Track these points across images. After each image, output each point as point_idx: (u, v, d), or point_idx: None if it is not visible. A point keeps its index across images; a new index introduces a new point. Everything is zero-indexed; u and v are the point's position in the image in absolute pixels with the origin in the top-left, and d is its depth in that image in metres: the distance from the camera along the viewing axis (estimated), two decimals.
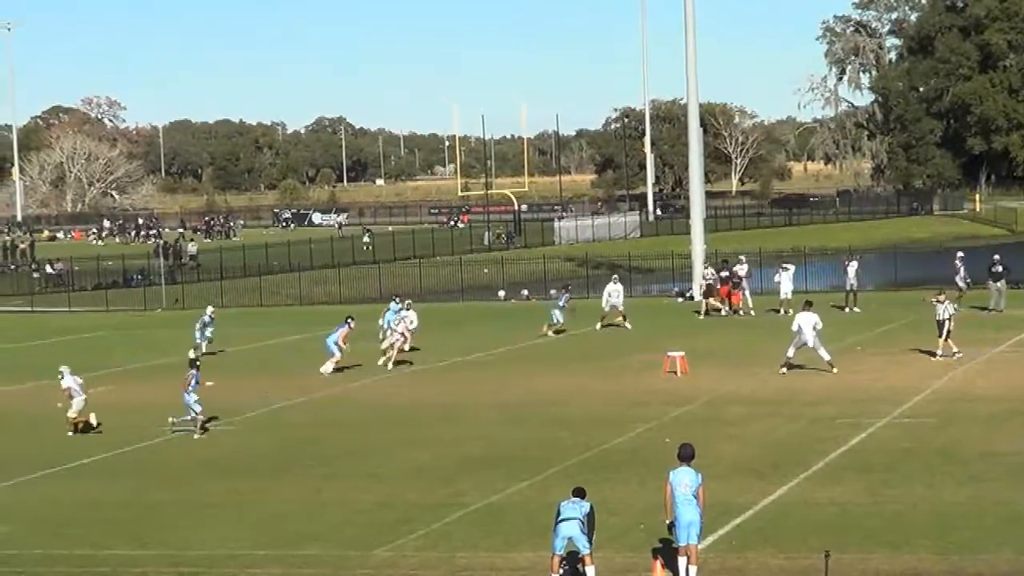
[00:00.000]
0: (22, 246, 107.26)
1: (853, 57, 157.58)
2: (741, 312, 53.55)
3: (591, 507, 19.56)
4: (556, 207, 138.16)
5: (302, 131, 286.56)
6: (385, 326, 44.36)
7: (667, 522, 19.89)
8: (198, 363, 33.28)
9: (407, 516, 24.03)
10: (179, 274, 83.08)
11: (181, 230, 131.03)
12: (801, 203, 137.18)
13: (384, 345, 43.06)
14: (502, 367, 42.21)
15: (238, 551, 22.37)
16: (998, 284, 51.04)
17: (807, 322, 37.79)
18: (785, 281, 53.01)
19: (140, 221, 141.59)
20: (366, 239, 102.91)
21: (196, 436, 32.15)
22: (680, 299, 60.17)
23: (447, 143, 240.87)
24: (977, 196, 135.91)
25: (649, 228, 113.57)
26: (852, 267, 53.84)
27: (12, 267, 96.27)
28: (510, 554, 21.57)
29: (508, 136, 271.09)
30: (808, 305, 39.19)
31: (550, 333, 48.98)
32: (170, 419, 33.01)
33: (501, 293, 69.35)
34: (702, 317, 53.14)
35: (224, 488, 27.03)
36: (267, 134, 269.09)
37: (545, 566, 19.87)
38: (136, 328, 60.12)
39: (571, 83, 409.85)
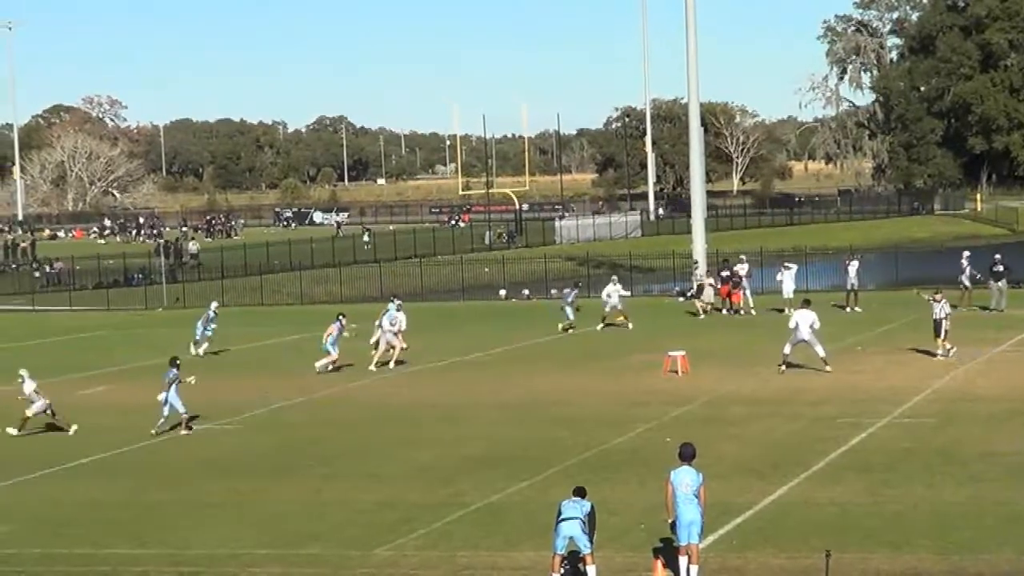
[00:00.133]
0: (23, 245, 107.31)
1: (854, 56, 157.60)
2: (742, 312, 53.59)
3: (592, 507, 19.56)
4: (557, 206, 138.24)
5: (303, 130, 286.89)
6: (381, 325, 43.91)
7: (668, 521, 19.89)
8: (178, 361, 33.41)
9: (408, 516, 24.02)
10: (180, 273, 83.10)
11: (184, 228, 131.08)
12: (788, 203, 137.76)
13: (382, 347, 42.47)
14: (502, 367, 42.21)
15: (238, 550, 22.36)
16: (999, 284, 51.04)
17: (804, 320, 37.84)
18: (787, 280, 53.03)
19: (141, 220, 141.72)
20: (366, 238, 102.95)
21: (183, 432, 32.29)
22: (681, 299, 60.07)
23: (448, 142, 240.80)
24: (978, 196, 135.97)
25: (650, 227, 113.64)
26: (853, 267, 53.84)
27: (13, 266, 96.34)
28: (511, 553, 21.56)
29: (509, 135, 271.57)
30: (806, 303, 39.31)
31: (569, 330, 49.39)
32: (152, 431, 32.76)
33: (502, 292, 69.39)
34: (701, 317, 53.19)
35: (224, 488, 27.02)
36: (268, 133, 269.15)
37: (546, 566, 19.86)
38: (137, 327, 60.13)
39: (572, 82, 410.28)
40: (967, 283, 51.70)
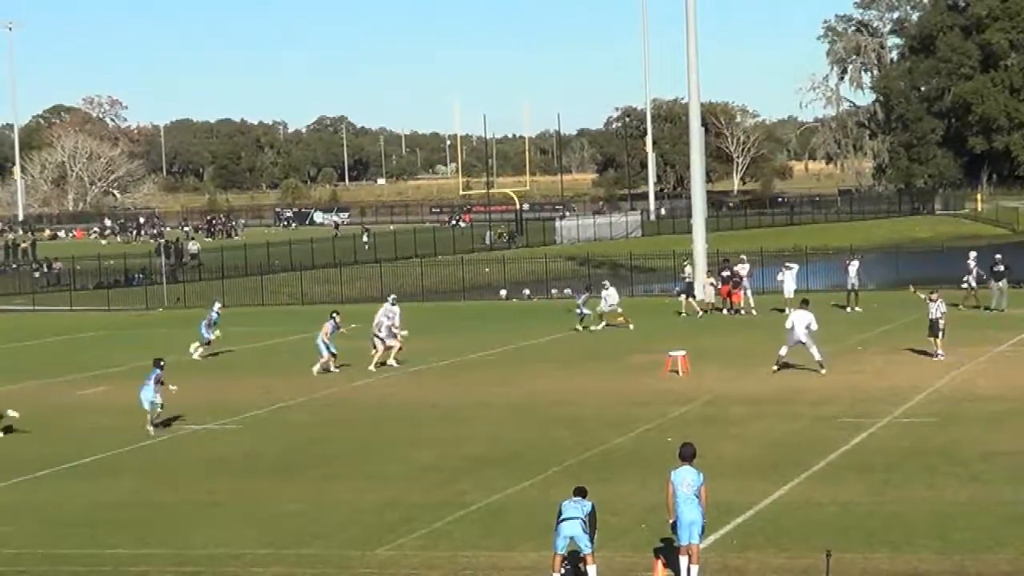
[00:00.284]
0: (24, 245, 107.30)
1: (855, 56, 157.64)
2: (742, 311, 53.60)
3: (593, 506, 19.56)
4: (557, 206, 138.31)
5: (303, 130, 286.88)
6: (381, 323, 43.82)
7: (669, 521, 19.90)
8: (163, 363, 33.50)
9: (409, 515, 24.03)
10: (180, 273, 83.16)
11: (184, 229, 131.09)
12: (777, 203, 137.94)
13: (381, 347, 42.33)
14: (503, 367, 42.20)
15: (240, 550, 22.37)
16: (1000, 284, 51.03)
17: (800, 320, 37.81)
18: (788, 280, 53.05)
19: (141, 220, 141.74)
20: (365, 238, 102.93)
21: (149, 428, 32.35)
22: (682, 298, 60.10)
23: (448, 142, 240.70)
24: (978, 196, 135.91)
25: (650, 227, 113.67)
26: (853, 267, 53.84)
27: (14, 266, 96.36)
28: (512, 553, 21.56)
29: (509, 135, 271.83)
30: (804, 304, 39.31)
31: (593, 328, 49.80)
32: (148, 428, 32.77)
33: (503, 292, 69.40)
34: (700, 316, 53.23)
35: (225, 487, 27.03)
36: (268, 133, 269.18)
37: (547, 565, 19.87)
38: (137, 327, 60.14)
39: (572, 82, 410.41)
40: (973, 283, 51.65)
